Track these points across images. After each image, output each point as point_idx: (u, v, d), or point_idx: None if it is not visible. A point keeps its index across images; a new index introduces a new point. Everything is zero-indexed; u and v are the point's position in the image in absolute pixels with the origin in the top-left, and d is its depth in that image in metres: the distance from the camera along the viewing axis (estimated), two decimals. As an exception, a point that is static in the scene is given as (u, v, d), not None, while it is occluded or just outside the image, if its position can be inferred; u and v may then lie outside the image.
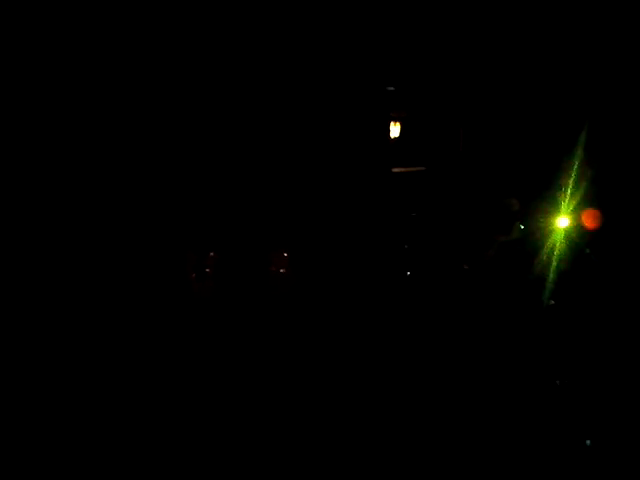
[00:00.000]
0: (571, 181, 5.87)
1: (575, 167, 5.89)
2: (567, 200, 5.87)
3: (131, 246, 5.12)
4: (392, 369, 4.89)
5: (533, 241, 5.78)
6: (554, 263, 5.66)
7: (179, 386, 4.25)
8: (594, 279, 5.65)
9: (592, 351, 5.02)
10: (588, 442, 4.22)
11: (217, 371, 4.53)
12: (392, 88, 6.70)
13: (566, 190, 5.88)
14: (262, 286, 5.47)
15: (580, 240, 5.81)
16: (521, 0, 6.37)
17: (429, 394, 4.51)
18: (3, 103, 5.17)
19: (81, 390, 4.13)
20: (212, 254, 5.29)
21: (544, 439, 4.06)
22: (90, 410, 3.88)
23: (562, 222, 5.86)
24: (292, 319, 5.27)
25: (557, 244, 5.75)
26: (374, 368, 4.87)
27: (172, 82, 5.65)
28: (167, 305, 4.97)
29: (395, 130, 6.76)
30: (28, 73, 5.28)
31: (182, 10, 5.70)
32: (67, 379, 4.23)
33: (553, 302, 5.59)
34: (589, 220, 5.87)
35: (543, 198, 6.02)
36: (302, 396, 4.31)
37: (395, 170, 6.82)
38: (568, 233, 5.82)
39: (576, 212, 5.88)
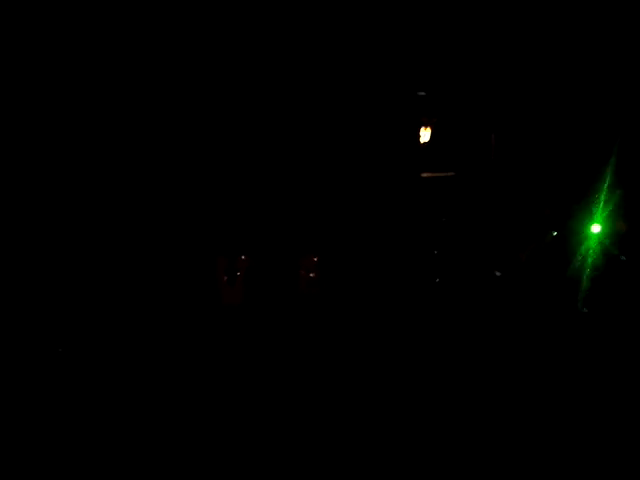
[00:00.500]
0: (604, 187, 5.81)
1: (608, 174, 5.82)
2: (600, 206, 5.81)
3: (165, 250, 5.17)
4: (420, 372, 4.86)
5: (566, 247, 5.73)
6: (587, 269, 5.60)
7: (208, 383, 4.26)
8: (627, 285, 5.57)
9: (623, 358, 4.95)
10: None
11: (246, 370, 4.55)
12: (423, 93, 6.67)
13: (599, 196, 5.81)
14: (292, 290, 5.49)
15: (613, 246, 5.74)
16: (558, 9, 6.31)
17: (457, 396, 4.48)
18: (6, 103, 5.22)
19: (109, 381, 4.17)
20: (243, 257, 5.32)
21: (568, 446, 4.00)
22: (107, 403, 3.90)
23: (595, 228, 5.80)
24: (321, 322, 5.27)
25: (590, 250, 5.69)
26: (402, 372, 4.84)
27: (210, 90, 5.70)
28: (199, 307, 5.01)
29: (426, 135, 6.73)
30: (29, 74, 5.32)
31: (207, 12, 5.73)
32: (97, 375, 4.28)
33: (586, 310, 5.53)
34: (621, 226, 5.80)
35: (576, 204, 5.96)
36: (328, 396, 4.31)
37: (425, 175, 6.79)
38: (601, 239, 5.75)
39: (609, 218, 5.81)
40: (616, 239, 5.79)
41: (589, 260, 5.66)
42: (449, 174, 6.87)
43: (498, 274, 5.69)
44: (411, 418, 4.08)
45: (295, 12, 6.06)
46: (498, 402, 4.37)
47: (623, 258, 5.60)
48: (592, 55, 6.12)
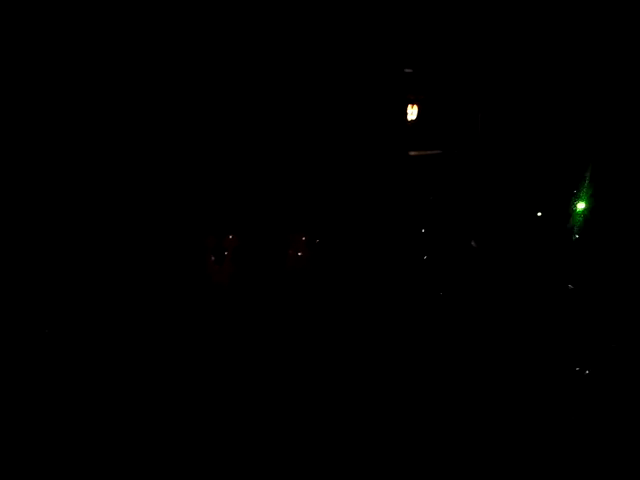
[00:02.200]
0: (587, 168, 5.86)
1: (593, 152, 5.87)
2: (583, 185, 5.86)
3: (152, 230, 5.17)
4: (409, 351, 4.93)
5: (551, 224, 5.78)
6: (573, 247, 5.66)
7: (197, 365, 4.31)
8: (604, 263, 5.65)
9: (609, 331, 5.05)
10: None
11: (234, 353, 4.60)
12: (410, 70, 6.65)
13: (584, 174, 5.86)
14: (280, 268, 5.52)
15: (592, 225, 5.81)
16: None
17: (445, 376, 4.55)
18: (3, 103, 5.20)
19: (95, 372, 4.19)
20: (230, 237, 5.33)
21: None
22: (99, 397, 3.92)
23: (578, 206, 5.86)
24: (310, 301, 5.32)
25: (572, 228, 5.75)
26: (392, 350, 4.91)
27: (188, 69, 5.65)
28: (187, 286, 5.03)
29: (413, 113, 6.72)
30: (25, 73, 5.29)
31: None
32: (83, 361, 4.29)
33: (571, 286, 5.61)
34: (604, 205, 5.86)
35: (560, 184, 6.00)
36: (318, 378, 4.36)
37: (412, 153, 6.80)
38: (583, 218, 5.81)
39: (591, 197, 5.86)
40: (596, 218, 5.86)
41: (573, 237, 5.73)
42: (436, 152, 6.88)
43: (474, 245, 5.76)
44: (402, 400, 4.15)
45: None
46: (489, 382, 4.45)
47: (606, 234, 5.68)
48: (577, 36, 6.12)
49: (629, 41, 5.93)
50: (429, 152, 6.86)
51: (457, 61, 6.67)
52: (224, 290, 5.25)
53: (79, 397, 3.88)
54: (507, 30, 6.43)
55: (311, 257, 5.65)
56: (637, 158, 6.01)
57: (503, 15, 6.44)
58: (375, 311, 5.43)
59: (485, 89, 6.66)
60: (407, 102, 6.70)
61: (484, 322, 5.34)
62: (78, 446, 3.48)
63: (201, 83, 5.70)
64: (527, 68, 6.46)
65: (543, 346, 4.93)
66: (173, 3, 5.69)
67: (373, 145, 6.46)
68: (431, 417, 3.97)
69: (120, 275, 4.94)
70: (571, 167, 5.94)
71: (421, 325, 5.35)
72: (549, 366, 4.69)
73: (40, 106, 5.21)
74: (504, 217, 5.87)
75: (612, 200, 5.85)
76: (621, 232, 5.81)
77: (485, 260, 5.87)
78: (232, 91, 5.84)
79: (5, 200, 4.95)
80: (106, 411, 3.78)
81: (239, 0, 5.95)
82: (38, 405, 3.79)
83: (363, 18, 6.46)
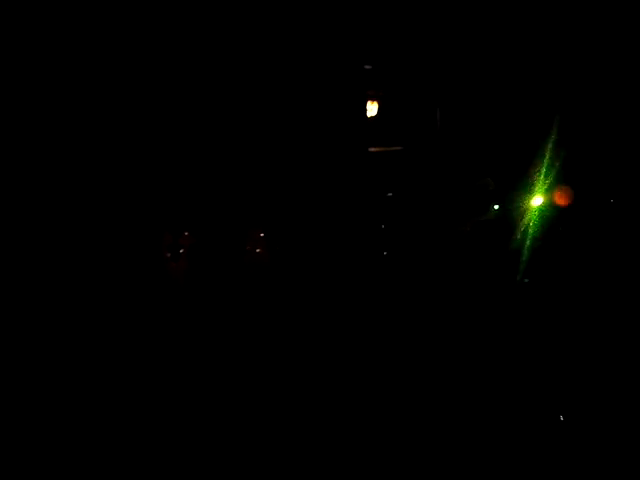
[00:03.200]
0: (545, 161, 5.93)
1: (550, 147, 5.94)
2: (542, 179, 5.93)
3: (105, 227, 5.08)
4: (372, 350, 4.92)
5: (508, 220, 5.84)
6: (528, 241, 5.73)
7: (154, 373, 4.24)
8: (567, 256, 5.74)
9: (566, 327, 5.11)
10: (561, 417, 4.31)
11: (192, 355, 4.53)
12: (369, 67, 6.65)
13: (541, 169, 5.93)
14: (238, 265, 5.46)
15: (553, 218, 5.88)
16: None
17: (411, 374, 4.56)
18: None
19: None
20: (186, 234, 5.26)
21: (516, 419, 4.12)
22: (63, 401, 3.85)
23: (536, 201, 5.93)
24: (269, 297, 5.27)
25: (531, 222, 5.82)
26: (353, 349, 4.89)
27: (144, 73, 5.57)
28: (142, 286, 4.95)
29: (372, 109, 6.73)
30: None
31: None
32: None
33: (527, 280, 5.67)
34: (562, 199, 5.94)
35: (519, 177, 6.07)
36: (275, 372, 4.33)
37: (372, 149, 6.80)
38: (542, 212, 5.88)
39: (550, 191, 5.94)
40: (557, 211, 5.94)
41: (530, 231, 5.80)
42: (397, 148, 6.90)
43: (442, 245, 5.79)
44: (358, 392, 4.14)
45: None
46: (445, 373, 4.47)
47: (561, 229, 5.76)
48: (531, 31, 6.19)
49: (589, 36, 6.01)
50: (389, 148, 6.87)
51: (416, 57, 6.70)
52: (180, 287, 5.18)
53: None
54: (464, 25, 6.48)
55: (270, 253, 5.61)
56: (599, 152, 6.13)
57: (460, 11, 6.49)
58: (335, 307, 5.41)
59: (444, 85, 6.70)
60: (366, 98, 6.70)
61: (444, 318, 5.36)
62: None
63: (155, 84, 5.61)
64: (485, 63, 6.52)
65: (498, 343, 4.97)
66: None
67: (332, 141, 6.44)
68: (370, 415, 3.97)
69: (73, 272, 4.83)
70: (530, 161, 6.01)
71: (380, 321, 5.34)
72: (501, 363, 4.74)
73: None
74: (463, 213, 5.91)
75: (571, 195, 5.95)
76: (577, 228, 5.91)
77: (444, 256, 5.90)
78: (187, 86, 5.76)
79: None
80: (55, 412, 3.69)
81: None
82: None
83: (322, 15, 6.44)
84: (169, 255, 5.10)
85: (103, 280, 4.84)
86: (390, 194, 6.64)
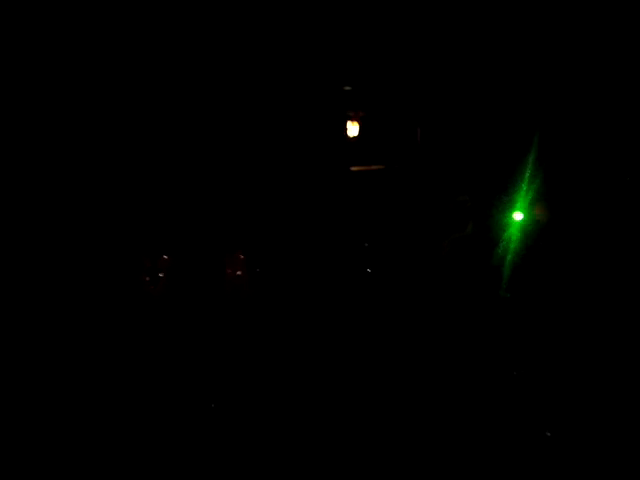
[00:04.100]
0: (525, 177, 5.98)
1: (529, 164, 6.00)
2: (521, 195, 5.98)
3: (84, 251, 5.10)
4: (354, 366, 4.93)
5: (487, 236, 5.88)
6: (508, 256, 5.76)
7: (130, 389, 4.25)
8: (547, 271, 5.77)
9: (547, 339, 5.15)
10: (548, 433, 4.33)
11: (172, 375, 4.55)
12: (349, 88, 6.74)
13: (520, 186, 5.98)
14: (218, 288, 5.48)
15: (533, 234, 5.92)
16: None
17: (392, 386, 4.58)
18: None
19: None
20: (165, 257, 5.28)
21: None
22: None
23: (516, 217, 5.97)
24: (250, 320, 5.29)
25: (511, 238, 5.85)
26: (335, 367, 4.91)
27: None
28: (121, 308, 4.96)
29: (353, 129, 6.80)
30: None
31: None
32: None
33: (508, 295, 5.70)
34: (542, 214, 5.98)
35: (498, 194, 6.11)
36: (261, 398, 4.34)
37: (354, 169, 6.87)
38: (522, 227, 5.92)
39: (530, 207, 5.99)
40: (537, 226, 5.98)
41: (511, 247, 5.83)
42: (379, 167, 6.96)
43: (422, 263, 5.82)
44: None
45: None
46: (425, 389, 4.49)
47: (541, 244, 5.79)
48: (508, 47, 6.27)
49: (554, 56, 6.10)
50: (371, 167, 6.93)
51: (395, 78, 6.78)
52: (159, 311, 5.19)
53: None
54: (442, 46, 6.56)
55: (250, 276, 5.63)
56: (575, 173, 6.18)
57: (438, 31, 6.58)
58: (317, 328, 5.42)
59: (423, 105, 6.77)
60: (347, 119, 6.78)
61: (428, 333, 5.38)
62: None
63: (130, 102, 5.65)
64: (463, 83, 6.60)
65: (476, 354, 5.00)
66: None
67: (314, 161, 6.51)
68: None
69: (54, 298, 4.86)
70: (507, 176, 6.06)
71: (364, 340, 5.36)
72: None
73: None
74: (441, 230, 5.95)
75: (551, 210, 5.99)
76: (557, 243, 5.95)
77: (425, 273, 5.93)
78: (162, 105, 5.79)
79: None
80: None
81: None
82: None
83: (302, 37, 6.53)
84: (148, 279, 5.13)
85: (83, 304, 4.86)
86: (373, 212, 6.69)
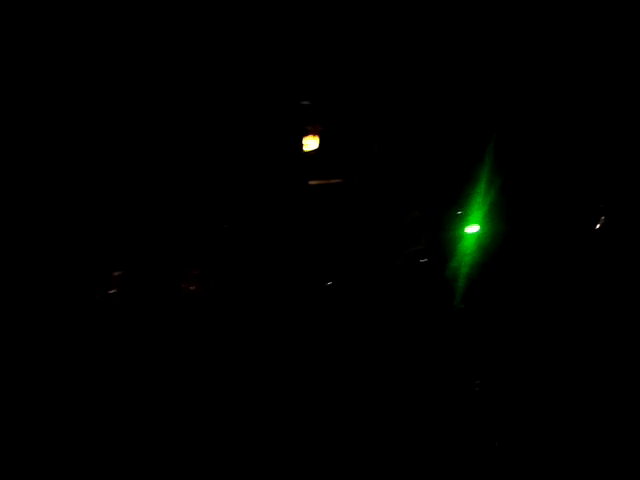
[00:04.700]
0: (480, 190, 6.07)
1: (484, 177, 6.09)
2: (476, 208, 6.07)
3: (33, 267, 5.03)
4: (308, 379, 4.94)
5: (441, 249, 5.94)
6: (463, 269, 5.83)
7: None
8: (503, 283, 5.85)
9: (503, 351, 5.21)
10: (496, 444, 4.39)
11: (124, 388, 4.51)
12: (307, 102, 6.78)
13: (475, 199, 6.07)
14: (171, 304, 5.45)
15: (488, 246, 6.00)
16: (430, 15, 6.53)
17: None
18: None
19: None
20: (117, 273, 5.24)
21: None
22: None
23: (470, 230, 6.06)
24: (205, 336, 5.26)
25: (465, 251, 5.93)
26: (290, 380, 4.91)
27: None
28: (72, 326, 4.91)
29: (312, 143, 6.84)
30: None
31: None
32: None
33: (463, 306, 5.77)
34: (496, 226, 6.07)
35: (452, 208, 6.20)
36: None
37: (313, 182, 6.90)
38: (477, 240, 6.00)
39: (485, 219, 6.07)
40: (492, 239, 6.06)
41: (465, 260, 5.90)
42: (338, 181, 7.00)
43: (373, 276, 5.86)
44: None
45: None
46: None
47: (495, 258, 5.88)
48: (460, 61, 6.37)
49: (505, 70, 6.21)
50: (330, 181, 6.97)
51: (353, 92, 6.84)
52: (111, 328, 5.15)
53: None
54: (397, 62, 6.65)
55: (205, 291, 5.61)
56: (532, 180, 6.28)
57: (396, 45, 6.66)
58: (273, 342, 5.42)
59: (381, 119, 6.84)
60: (305, 133, 6.81)
61: (382, 346, 5.42)
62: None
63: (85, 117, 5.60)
64: (420, 97, 6.68)
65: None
66: None
67: (271, 176, 6.52)
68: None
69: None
70: (462, 190, 6.15)
71: (319, 353, 5.38)
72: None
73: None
74: (395, 246, 6.00)
75: (505, 224, 6.09)
76: (513, 254, 6.04)
77: (382, 287, 5.97)
78: (109, 124, 5.75)
79: None
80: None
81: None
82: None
83: (259, 52, 6.56)
84: (98, 296, 5.08)
85: (32, 321, 4.79)
86: (331, 226, 6.72)
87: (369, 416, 4.51)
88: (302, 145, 6.66)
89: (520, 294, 5.71)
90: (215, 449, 3.96)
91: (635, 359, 4.79)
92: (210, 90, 6.28)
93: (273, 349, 5.32)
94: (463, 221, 5.99)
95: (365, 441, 4.23)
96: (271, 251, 6.16)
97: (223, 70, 6.29)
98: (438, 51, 6.40)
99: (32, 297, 4.89)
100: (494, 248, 5.98)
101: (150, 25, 5.91)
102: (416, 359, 5.23)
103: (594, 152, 6.00)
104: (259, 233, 6.15)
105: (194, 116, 6.20)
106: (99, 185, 5.47)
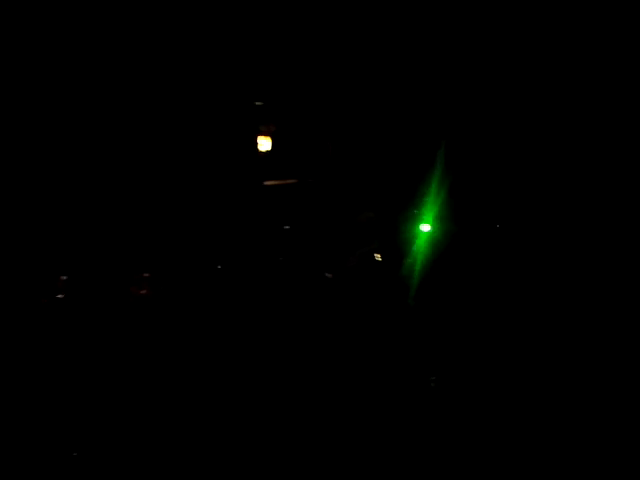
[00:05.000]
0: (431, 190, 6.14)
1: (434, 177, 6.17)
2: (428, 207, 6.14)
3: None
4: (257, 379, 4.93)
5: (395, 248, 6.00)
6: (415, 267, 5.90)
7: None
8: (454, 281, 5.94)
9: (453, 346, 5.30)
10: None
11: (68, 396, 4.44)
12: (260, 103, 6.77)
13: (427, 198, 6.14)
14: (121, 308, 5.39)
15: (440, 244, 6.08)
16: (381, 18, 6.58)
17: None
18: None
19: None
20: (64, 278, 5.15)
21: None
22: None
23: (423, 229, 6.13)
24: (155, 339, 5.21)
25: (418, 249, 6.00)
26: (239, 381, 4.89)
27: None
28: (20, 333, 4.82)
29: (266, 144, 6.83)
30: None
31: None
32: None
33: (415, 302, 5.84)
34: (448, 225, 6.16)
35: (405, 208, 6.26)
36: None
37: (268, 183, 6.89)
38: (428, 239, 6.08)
39: (437, 218, 6.15)
40: (444, 237, 6.15)
41: (418, 258, 5.97)
42: (292, 181, 7.00)
43: (329, 276, 5.88)
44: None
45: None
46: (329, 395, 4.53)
47: (447, 256, 5.96)
48: (411, 64, 6.43)
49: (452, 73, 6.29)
50: (285, 181, 6.97)
51: (307, 93, 6.85)
52: (59, 333, 5.06)
53: None
54: (350, 63, 6.68)
55: (156, 295, 5.56)
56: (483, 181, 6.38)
57: (346, 49, 6.69)
58: (228, 344, 5.40)
59: (334, 119, 6.86)
60: (259, 134, 6.80)
61: (335, 345, 5.44)
62: None
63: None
64: (372, 99, 6.73)
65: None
66: None
67: (225, 176, 6.50)
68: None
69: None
70: (414, 189, 6.21)
71: (273, 354, 5.37)
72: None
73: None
74: (348, 246, 6.03)
75: (454, 224, 6.18)
76: (463, 253, 6.14)
77: (337, 287, 6.00)
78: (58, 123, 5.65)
79: None
80: None
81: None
82: None
83: (213, 53, 6.52)
84: (45, 302, 5.00)
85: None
86: (287, 226, 6.72)
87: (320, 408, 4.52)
88: (256, 145, 6.65)
89: (467, 289, 5.81)
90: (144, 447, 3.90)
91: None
92: (161, 93, 6.23)
93: (223, 349, 5.30)
94: (416, 221, 6.06)
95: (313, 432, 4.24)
96: (226, 252, 6.14)
97: (173, 70, 6.24)
98: (390, 55, 6.46)
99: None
100: (444, 247, 6.06)
101: (99, 31, 5.85)
102: (369, 355, 5.27)
103: (533, 157, 6.12)
104: (214, 235, 6.12)
105: (144, 116, 6.15)
106: (43, 190, 5.38)
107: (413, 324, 5.60)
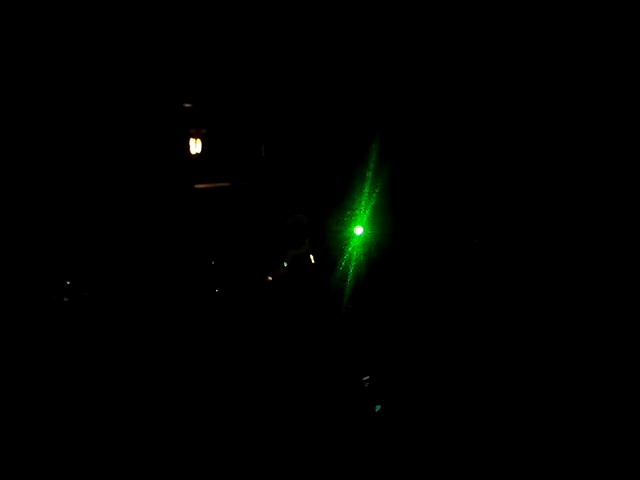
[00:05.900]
0: (364, 192, 6.13)
1: (368, 179, 6.16)
2: (361, 210, 6.12)
3: None
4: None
5: (328, 251, 5.95)
6: (349, 269, 5.87)
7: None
8: (386, 281, 5.94)
9: (390, 346, 5.29)
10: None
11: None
12: (189, 105, 6.63)
13: (360, 201, 6.12)
14: (43, 317, 5.15)
15: (374, 247, 6.07)
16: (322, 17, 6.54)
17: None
18: None
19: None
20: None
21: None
22: None
23: (357, 231, 6.10)
24: (93, 349, 5.00)
25: (352, 252, 5.97)
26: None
27: None
28: None
29: (196, 146, 6.69)
30: None
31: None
32: None
33: (350, 306, 5.80)
34: (381, 227, 6.16)
35: (339, 208, 6.23)
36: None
37: (199, 186, 6.76)
38: (362, 241, 6.06)
39: (370, 221, 6.14)
40: (377, 240, 6.14)
41: (352, 261, 5.94)
42: (225, 185, 6.89)
43: (268, 279, 5.79)
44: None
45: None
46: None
47: (381, 257, 5.96)
48: (351, 65, 6.41)
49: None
50: (217, 185, 6.85)
51: (238, 94, 6.76)
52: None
53: None
54: (282, 63, 6.62)
55: (77, 302, 5.34)
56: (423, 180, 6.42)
57: (279, 50, 6.63)
58: (157, 350, 5.23)
59: (266, 122, 6.79)
60: (188, 136, 6.66)
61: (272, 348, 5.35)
62: None
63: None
64: (305, 99, 6.69)
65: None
66: None
67: (155, 180, 6.33)
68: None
69: None
70: (347, 192, 6.19)
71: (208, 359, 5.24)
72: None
73: None
74: (282, 247, 5.96)
75: (387, 228, 6.19)
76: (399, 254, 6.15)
77: (270, 290, 5.91)
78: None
79: None
80: None
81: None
82: None
83: (140, 53, 6.36)
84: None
85: None
86: (222, 229, 6.60)
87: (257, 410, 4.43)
88: (186, 148, 6.52)
89: (401, 291, 5.82)
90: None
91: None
92: (86, 94, 6.03)
93: (154, 356, 5.13)
94: (349, 223, 6.03)
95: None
96: (155, 257, 5.96)
97: (98, 70, 6.05)
98: (324, 53, 6.43)
99: None
100: (378, 250, 6.06)
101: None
102: (304, 359, 5.21)
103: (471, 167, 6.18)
104: (142, 239, 5.94)
105: (67, 119, 5.93)
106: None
107: (348, 326, 5.57)
